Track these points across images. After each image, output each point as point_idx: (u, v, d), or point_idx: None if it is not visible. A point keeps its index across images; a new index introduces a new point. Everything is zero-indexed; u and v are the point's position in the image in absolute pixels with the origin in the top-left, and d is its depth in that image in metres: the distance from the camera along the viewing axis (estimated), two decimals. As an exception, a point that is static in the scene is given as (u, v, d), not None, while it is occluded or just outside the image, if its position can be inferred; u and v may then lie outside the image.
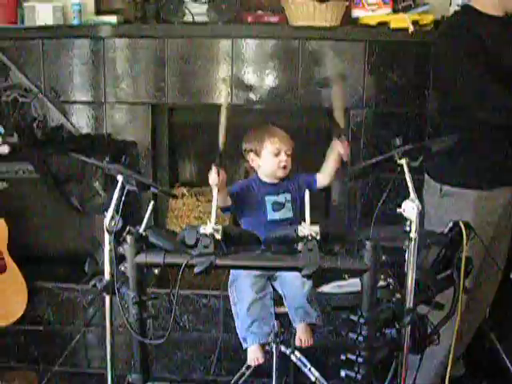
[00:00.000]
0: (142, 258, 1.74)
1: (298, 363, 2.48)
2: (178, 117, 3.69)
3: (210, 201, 3.57)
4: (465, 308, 2.46)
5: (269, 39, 3.33)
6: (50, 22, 3.42)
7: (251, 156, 2.38)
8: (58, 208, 3.40)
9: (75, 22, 3.42)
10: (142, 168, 3.55)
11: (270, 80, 3.38)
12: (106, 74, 3.45)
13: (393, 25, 3.20)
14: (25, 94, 3.49)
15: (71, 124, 3.53)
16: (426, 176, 2.55)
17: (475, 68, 2.21)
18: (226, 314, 2.39)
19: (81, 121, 3.53)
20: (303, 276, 1.61)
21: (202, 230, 1.70)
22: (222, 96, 2.21)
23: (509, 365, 2.75)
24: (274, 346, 2.35)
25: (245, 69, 3.37)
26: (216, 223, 1.74)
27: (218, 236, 1.70)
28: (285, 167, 2.35)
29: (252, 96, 3.40)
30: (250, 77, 3.38)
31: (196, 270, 1.65)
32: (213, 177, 2.10)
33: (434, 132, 3.24)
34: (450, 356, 1.90)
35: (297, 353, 2.46)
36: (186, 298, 3.24)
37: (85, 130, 3.54)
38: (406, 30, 3.14)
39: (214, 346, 3.16)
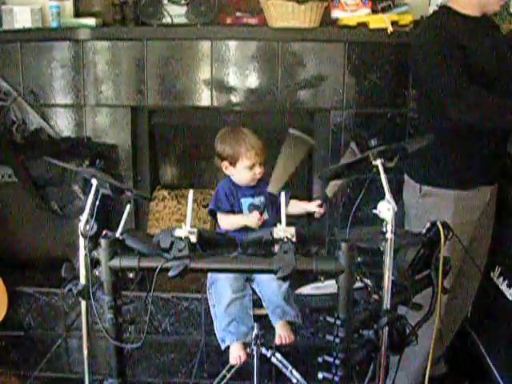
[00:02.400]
0: (116, 262, 1.71)
1: (279, 365, 2.47)
2: (158, 119, 3.66)
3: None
4: (445, 308, 2.46)
5: (248, 41, 3.31)
6: (28, 24, 3.37)
7: (225, 163, 2.37)
8: (37, 212, 3.37)
9: (54, 24, 3.37)
10: (122, 171, 3.53)
11: (250, 81, 3.37)
12: (86, 77, 3.41)
13: (372, 25, 3.19)
14: (3, 97, 3.44)
15: (51, 127, 3.49)
16: (406, 176, 2.55)
17: (452, 67, 2.20)
18: (207, 316, 2.38)
19: (60, 124, 3.50)
20: (278, 278, 1.60)
21: (176, 233, 1.68)
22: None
23: (490, 364, 2.74)
24: (255, 349, 2.34)
25: (225, 70, 3.35)
26: (192, 226, 1.72)
27: (194, 239, 1.68)
28: (258, 178, 2.37)
29: (232, 98, 3.39)
30: (230, 78, 3.36)
31: (170, 273, 1.63)
32: (256, 222, 2.24)
33: (414, 132, 3.24)
34: (430, 356, 1.89)
35: (278, 355, 2.45)
36: (167, 301, 3.22)
37: (65, 134, 3.50)
38: (386, 30, 3.13)
39: (196, 349, 3.15)
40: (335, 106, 3.36)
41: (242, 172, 2.34)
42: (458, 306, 2.70)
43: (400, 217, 2.41)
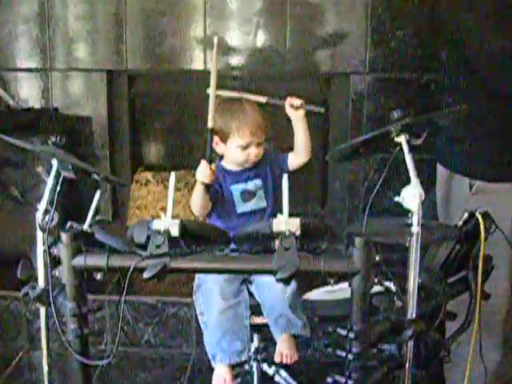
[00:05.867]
0: (80, 261, 1.69)
1: (283, 384, 2.46)
2: (140, 86, 3.65)
3: (183, 188, 3.55)
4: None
5: (251, -10, 3.29)
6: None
7: (215, 138, 2.31)
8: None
9: (13, -30, 3.36)
10: (97, 149, 3.53)
11: (252, 40, 3.35)
12: (52, 35, 3.41)
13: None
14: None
15: (10, 96, 3.49)
16: (440, 166, 2.51)
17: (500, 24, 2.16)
18: (199, 325, 2.37)
19: (22, 92, 3.51)
20: (277, 280, 1.57)
21: (154, 226, 1.65)
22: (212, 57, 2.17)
23: None
24: (255, 365, 2.34)
25: (221, 26, 3.34)
26: (173, 217, 1.70)
27: (175, 232, 1.65)
28: (254, 160, 2.34)
29: (231, 60, 3.37)
30: (228, 37, 3.35)
31: (145, 274, 1.61)
32: (204, 173, 2.13)
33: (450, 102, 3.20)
34: (467, 373, 1.87)
35: (282, 372, 2.45)
36: (150, 307, 3.21)
37: (27, 104, 3.50)
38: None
39: (185, 363, 3.14)
40: (356, 70, 3.34)
41: (234, 152, 2.31)
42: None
43: (430, 206, 2.38)
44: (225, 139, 2.30)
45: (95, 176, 1.89)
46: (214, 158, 2.28)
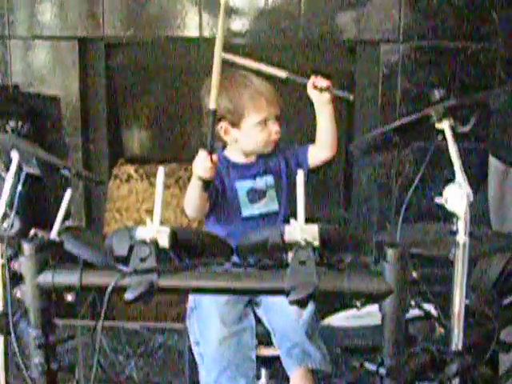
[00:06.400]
0: (46, 278, 1.68)
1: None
2: (120, 58, 3.66)
3: (172, 186, 3.56)
4: None
5: None
6: None
7: (224, 125, 2.33)
8: None
9: None
10: (67, 137, 3.53)
11: (259, 1, 3.35)
12: (11, -4, 3.42)
13: None
14: None
15: (-42, 71, 3.50)
16: (495, 161, 2.52)
17: None
18: (193, 357, 2.37)
19: (-27, 66, 3.51)
20: (290, 303, 1.57)
21: (138, 234, 1.66)
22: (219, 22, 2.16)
23: None
24: (263, 407, 2.34)
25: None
26: (162, 223, 1.71)
27: (164, 243, 1.66)
28: (276, 140, 2.35)
29: (232, 25, 3.38)
30: (231, -2, 3.36)
31: (127, 295, 1.60)
32: (204, 166, 2.10)
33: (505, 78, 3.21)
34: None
35: (296, 416, 2.45)
36: (134, 335, 3.23)
37: (-21, 80, 3.51)
38: None
39: (176, 405, 3.16)
40: (387, 38, 3.33)
41: (252, 133, 2.32)
42: None
43: (480, 209, 2.39)
44: (237, 122, 2.32)
45: (65, 172, 1.90)
46: (216, 148, 2.28)
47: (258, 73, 2.40)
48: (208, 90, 2.29)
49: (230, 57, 2.30)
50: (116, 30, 3.43)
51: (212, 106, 2.09)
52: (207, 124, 2.21)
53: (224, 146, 2.40)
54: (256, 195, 2.33)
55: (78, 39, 3.48)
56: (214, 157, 2.10)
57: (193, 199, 2.23)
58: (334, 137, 2.37)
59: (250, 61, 2.40)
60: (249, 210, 2.33)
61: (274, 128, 2.32)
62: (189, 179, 3.54)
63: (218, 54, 2.08)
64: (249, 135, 2.33)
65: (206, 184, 2.15)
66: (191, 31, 3.40)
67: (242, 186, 2.34)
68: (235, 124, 2.32)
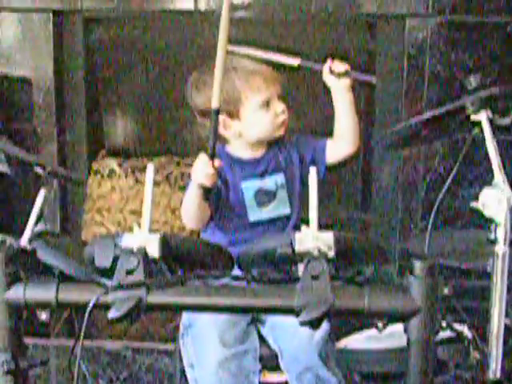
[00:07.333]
0: (16, 294, 1.69)
1: None
2: (101, 34, 3.69)
3: (161, 183, 3.56)
4: None
5: None
6: None
7: (221, 120, 2.33)
8: None
9: None
10: (38, 127, 3.55)
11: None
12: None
13: None
14: None
15: None
16: None
17: None
18: (187, 382, 2.38)
19: None
20: (301, 324, 1.58)
21: (124, 242, 1.66)
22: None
23: None
24: None
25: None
26: (152, 230, 1.71)
27: (154, 252, 1.66)
28: (284, 121, 2.37)
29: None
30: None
31: (111, 314, 1.61)
32: (205, 173, 2.11)
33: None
34: None
35: None
36: (118, 357, 3.23)
37: None
38: None
39: None
40: (414, 11, 3.34)
41: (255, 119, 2.34)
42: None
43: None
44: (235, 111, 2.34)
45: (38, 169, 1.90)
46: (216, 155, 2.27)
47: (268, 62, 2.41)
48: (195, 86, 2.32)
49: (235, 48, 2.29)
50: (96, 1, 3.44)
51: (215, 104, 2.10)
52: (200, 124, 2.22)
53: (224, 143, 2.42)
54: (265, 197, 2.35)
55: (53, 11, 3.50)
56: (217, 162, 2.11)
57: (191, 209, 2.25)
58: (356, 129, 2.38)
59: (257, 50, 2.40)
60: (256, 215, 2.36)
61: (279, 108, 2.34)
62: (182, 176, 3.58)
63: (223, 45, 2.07)
64: (252, 123, 2.35)
65: (207, 192, 2.16)
66: (184, 3, 3.40)
67: (249, 187, 2.36)
68: (234, 114, 2.34)
